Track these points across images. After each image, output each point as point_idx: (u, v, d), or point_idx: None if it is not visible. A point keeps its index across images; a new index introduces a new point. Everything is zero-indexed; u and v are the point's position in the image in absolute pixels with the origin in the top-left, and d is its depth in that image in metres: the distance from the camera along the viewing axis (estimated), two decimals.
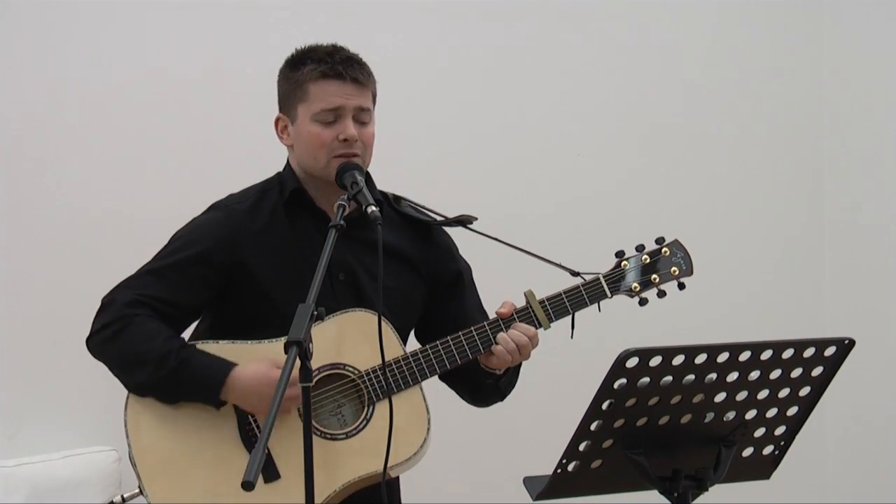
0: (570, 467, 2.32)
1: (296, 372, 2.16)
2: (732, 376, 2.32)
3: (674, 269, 2.80)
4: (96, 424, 3.49)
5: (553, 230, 3.90)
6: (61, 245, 3.55)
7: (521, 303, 2.77)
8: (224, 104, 3.70)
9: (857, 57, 4.41)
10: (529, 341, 2.72)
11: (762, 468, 2.52)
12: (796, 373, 2.38)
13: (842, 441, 4.40)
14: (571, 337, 2.77)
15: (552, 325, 2.76)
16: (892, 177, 4.29)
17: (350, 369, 2.68)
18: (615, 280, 2.78)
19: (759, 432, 2.44)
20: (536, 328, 2.74)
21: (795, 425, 2.46)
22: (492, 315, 2.77)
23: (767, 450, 2.48)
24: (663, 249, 2.82)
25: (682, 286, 2.82)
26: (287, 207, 2.77)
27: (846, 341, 2.38)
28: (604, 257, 2.83)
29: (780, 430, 2.46)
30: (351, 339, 2.68)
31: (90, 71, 3.60)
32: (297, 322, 2.17)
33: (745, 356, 2.31)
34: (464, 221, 2.86)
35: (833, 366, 2.40)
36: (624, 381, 2.25)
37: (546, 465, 2.36)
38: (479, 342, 2.73)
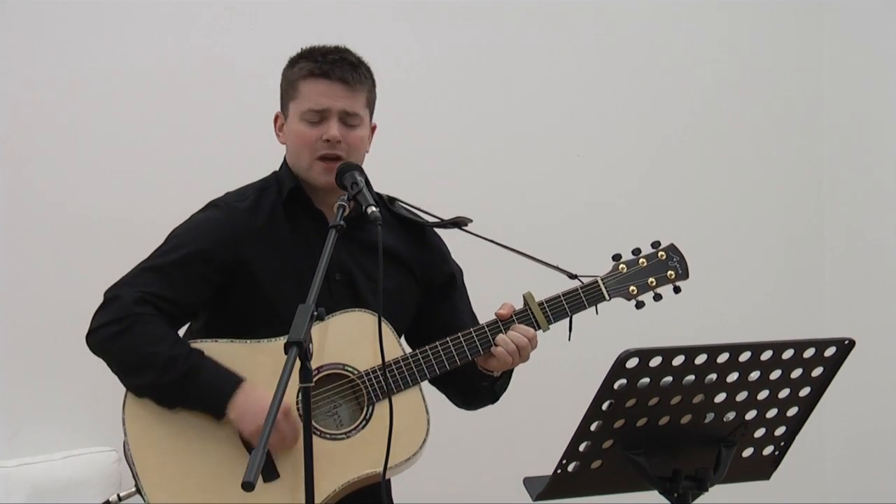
0: (570, 468, 2.32)
1: (296, 374, 2.16)
2: (732, 377, 2.32)
3: (670, 272, 2.82)
4: (96, 424, 3.49)
5: (550, 233, 3.88)
6: (61, 245, 3.55)
7: (519, 305, 2.77)
8: (223, 105, 3.69)
9: (858, 59, 4.40)
10: (529, 342, 2.73)
11: (762, 468, 2.52)
12: (796, 373, 2.39)
13: (842, 441, 4.39)
14: (569, 339, 2.78)
15: (551, 327, 2.76)
16: (892, 178, 4.29)
17: (350, 369, 2.68)
18: (613, 283, 2.79)
19: (759, 433, 2.44)
20: (535, 330, 2.75)
21: (795, 426, 2.47)
22: (484, 319, 2.77)
23: (767, 450, 2.49)
24: (660, 253, 2.84)
25: (677, 290, 2.84)
26: (286, 207, 2.77)
27: (846, 342, 2.38)
28: (600, 260, 2.84)
29: (780, 431, 2.46)
30: (350, 339, 2.68)
31: (87, 71, 3.60)
32: (298, 322, 2.16)
33: (745, 357, 2.31)
34: (459, 223, 2.86)
35: (833, 366, 2.40)
36: (624, 381, 2.25)
37: (546, 465, 2.36)
38: (478, 343, 2.73)
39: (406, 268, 2.84)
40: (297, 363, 2.14)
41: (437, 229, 2.92)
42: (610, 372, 2.23)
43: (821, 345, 2.37)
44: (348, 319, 2.69)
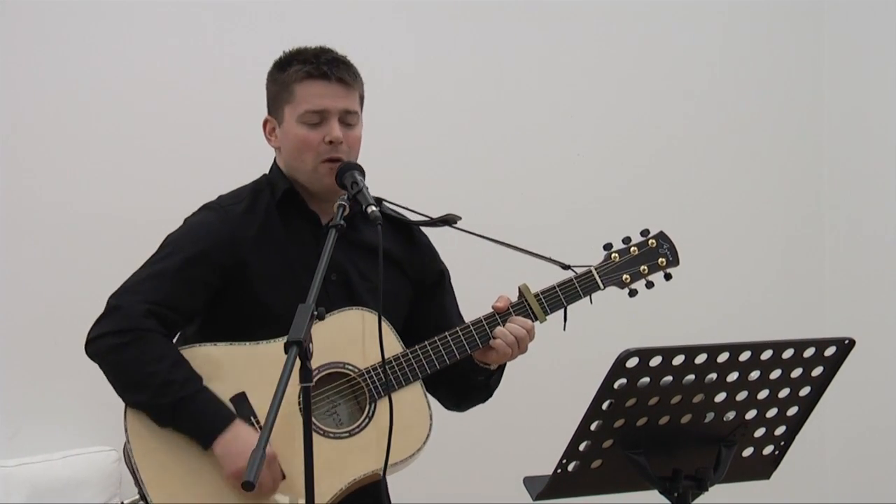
0: (571, 467, 2.32)
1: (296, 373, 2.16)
2: (732, 376, 2.32)
3: (661, 259, 2.84)
4: (96, 424, 3.49)
5: (550, 232, 3.85)
6: (61, 246, 3.55)
7: (515, 298, 2.78)
8: (223, 105, 3.69)
9: (858, 59, 4.40)
10: (528, 334, 2.73)
11: (762, 468, 2.52)
12: (796, 373, 2.39)
13: (842, 441, 4.40)
14: (564, 329, 2.78)
15: (547, 318, 2.77)
16: (892, 178, 4.29)
17: (350, 368, 2.68)
18: (607, 272, 2.81)
19: (759, 432, 2.44)
20: (532, 321, 2.75)
21: (795, 425, 2.47)
22: (479, 314, 2.77)
23: (767, 450, 2.49)
24: (650, 241, 2.86)
25: (668, 277, 2.86)
26: (280, 208, 2.77)
27: (846, 341, 2.38)
28: (590, 251, 2.85)
29: (780, 430, 2.46)
30: (349, 337, 2.68)
31: (87, 72, 3.60)
32: (298, 322, 2.16)
33: (745, 356, 2.31)
34: (449, 221, 2.86)
35: (833, 366, 2.40)
36: (624, 381, 2.25)
37: (546, 465, 2.36)
38: (477, 337, 2.73)
39: (399, 267, 2.85)
40: (297, 363, 2.14)
41: (424, 228, 2.93)
42: (610, 371, 2.23)
43: (821, 344, 2.37)
44: (346, 318, 2.69)
